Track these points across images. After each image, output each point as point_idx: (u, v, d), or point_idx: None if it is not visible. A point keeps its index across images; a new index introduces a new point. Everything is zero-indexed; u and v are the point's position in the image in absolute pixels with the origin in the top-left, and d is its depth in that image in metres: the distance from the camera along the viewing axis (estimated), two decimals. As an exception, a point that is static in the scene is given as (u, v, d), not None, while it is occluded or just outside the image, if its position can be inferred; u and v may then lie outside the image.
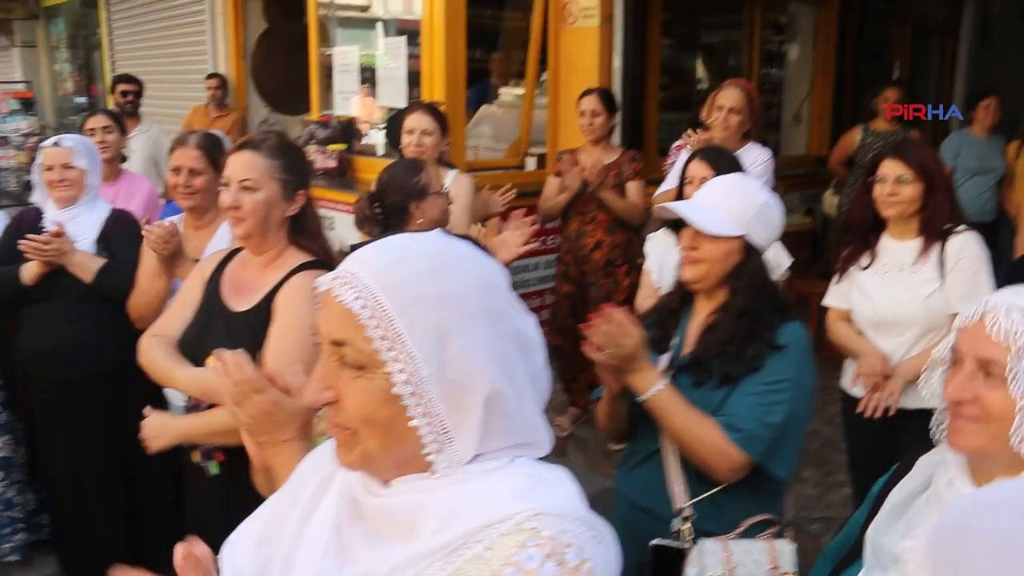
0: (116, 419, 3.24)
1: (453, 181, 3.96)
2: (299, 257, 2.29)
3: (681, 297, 2.25)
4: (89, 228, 3.31)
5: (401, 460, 0.99)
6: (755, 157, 4.11)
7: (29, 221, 3.39)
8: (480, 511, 0.93)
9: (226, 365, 1.39)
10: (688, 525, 2.01)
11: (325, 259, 2.30)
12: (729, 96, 4.16)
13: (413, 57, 5.33)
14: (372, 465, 1.01)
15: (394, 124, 4.63)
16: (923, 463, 1.52)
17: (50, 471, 3.56)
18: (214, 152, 2.97)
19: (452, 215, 3.74)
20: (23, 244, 3.12)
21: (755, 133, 4.45)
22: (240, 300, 2.29)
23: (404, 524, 0.97)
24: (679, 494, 2.06)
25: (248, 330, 2.19)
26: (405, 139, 3.89)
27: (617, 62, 5.47)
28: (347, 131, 5.72)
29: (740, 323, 2.05)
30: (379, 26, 6.17)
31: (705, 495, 2.04)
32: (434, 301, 0.95)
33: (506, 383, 0.97)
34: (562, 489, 0.98)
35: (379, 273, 0.96)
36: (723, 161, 3.17)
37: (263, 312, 2.21)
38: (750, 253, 2.11)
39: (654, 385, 1.97)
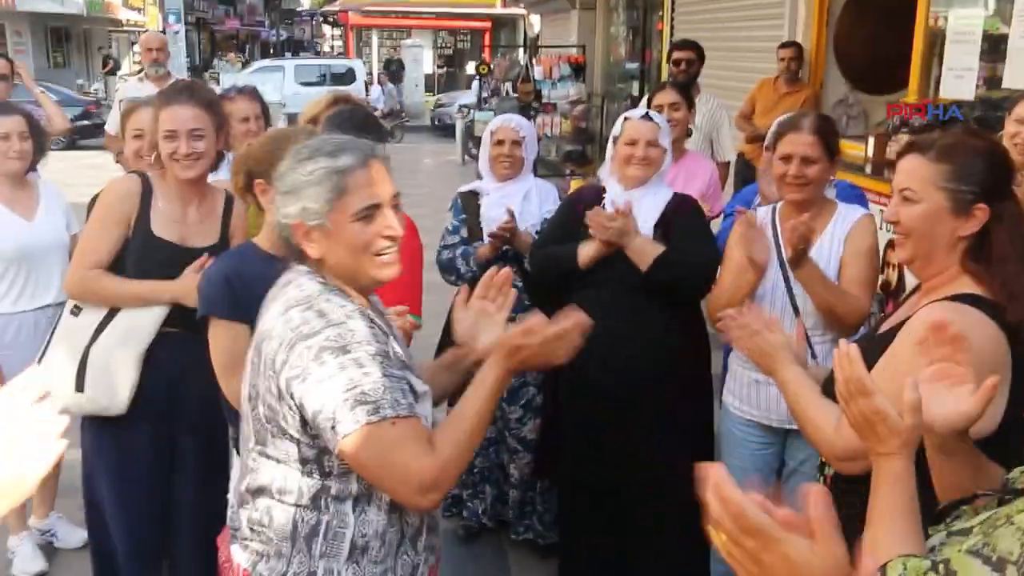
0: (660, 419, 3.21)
1: None
2: (966, 286, 1.99)
3: None
4: (650, 211, 3.26)
5: None
6: None
7: (587, 198, 3.43)
8: None
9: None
10: None
11: (996, 296, 1.93)
12: None
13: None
14: None
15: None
16: None
17: (566, 462, 3.54)
18: (831, 138, 2.89)
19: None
20: (589, 215, 3.17)
21: None
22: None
23: None
24: None
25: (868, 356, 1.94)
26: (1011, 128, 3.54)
27: None
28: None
29: None
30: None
31: None
32: None
33: None
34: None
35: None
36: None
37: (883, 341, 2.04)
38: None
39: None
